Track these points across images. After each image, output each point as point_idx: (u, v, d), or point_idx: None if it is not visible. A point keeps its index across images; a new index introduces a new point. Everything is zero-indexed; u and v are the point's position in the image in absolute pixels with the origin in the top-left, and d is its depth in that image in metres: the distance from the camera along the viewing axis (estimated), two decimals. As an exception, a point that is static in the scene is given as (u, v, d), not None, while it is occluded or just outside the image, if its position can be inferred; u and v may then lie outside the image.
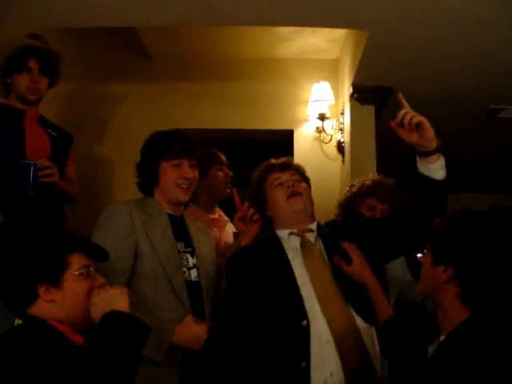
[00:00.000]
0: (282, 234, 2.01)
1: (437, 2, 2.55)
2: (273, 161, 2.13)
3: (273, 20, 2.95)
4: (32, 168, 2.43)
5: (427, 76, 3.35)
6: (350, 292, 1.82)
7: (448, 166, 1.76)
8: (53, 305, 1.41)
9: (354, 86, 3.47)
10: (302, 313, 1.78)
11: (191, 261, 2.04)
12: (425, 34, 2.84)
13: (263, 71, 3.97)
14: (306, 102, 3.88)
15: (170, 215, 2.07)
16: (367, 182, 2.64)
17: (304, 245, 1.94)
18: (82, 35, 3.61)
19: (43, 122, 2.72)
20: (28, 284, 1.41)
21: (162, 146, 2.05)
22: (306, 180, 2.11)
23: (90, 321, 1.43)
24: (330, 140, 3.85)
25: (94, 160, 3.78)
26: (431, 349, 1.51)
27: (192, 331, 1.88)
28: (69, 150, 2.80)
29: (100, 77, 3.93)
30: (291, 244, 1.97)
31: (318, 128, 3.86)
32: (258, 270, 1.92)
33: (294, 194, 1.99)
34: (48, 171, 2.47)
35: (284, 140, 3.95)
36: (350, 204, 2.64)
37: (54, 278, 1.41)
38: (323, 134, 3.85)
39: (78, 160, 2.96)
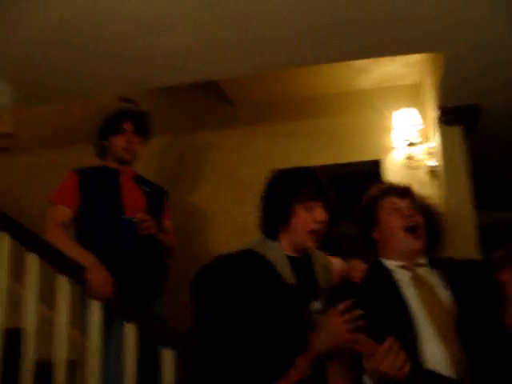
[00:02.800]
0: (390, 264, 1.90)
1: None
2: (392, 184, 2.06)
3: (349, 55, 2.97)
4: (131, 223, 2.59)
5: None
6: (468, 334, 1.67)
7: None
8: None
9: (439, 108, 3.39)
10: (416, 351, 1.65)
11: (317, 305, 1.90)
12: (503, 44, 2.74)
13: (345, 104, 3.98)
14: (392, 129, 3.84)
15: (292, 258, 1.94)
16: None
17: (416, 278, 1.84)
18: (164, 89, 3.83)
19: (138, 179, 2.90)
20: None
21: (296, 186, 1.93)
22: (424, 212, 1.95)
23: None
24: (421, 166, 3.76)
25: (189, 210, 3.92)
26: None
27: None
28: (164, 204, 2.95)
29: (186, 128, 4.12)
30: (399, 276, 1.86)
31: (406, 155, 3.79)
32: (369, 300, 1.78)
33: (413, 229, 1.87)
34: (146, 224, 2.62)
35: (373, 170, 3.92)
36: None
37: None
38: (412, 161, 3.78)
39: (174, 211, 3.10)
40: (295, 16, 2.39)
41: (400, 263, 1.88)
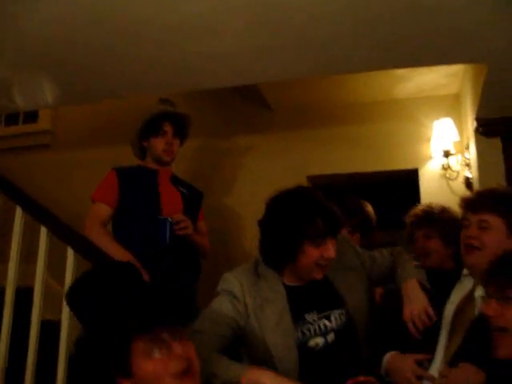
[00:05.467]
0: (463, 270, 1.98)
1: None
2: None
3: (390, 64, 2.96)
4: (168, 222, 2.64)
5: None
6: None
7: None
8: None
9: (478, 119, 3.36)
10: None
11: (329, 325, 1.88)
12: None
13: (383, 112, 3.98)
14: (429, 139, 3.82)
15: (293, 288, 1.91)
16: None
17: (466, 298, 1.89)
18: (204, 91, 3.87)
19: (175, 180, 2.94)
20: (106, 377, 1.29)
21: (304, 223, 1.79)
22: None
23: None
24: (457, 176, 3.74)
25: (223, 212, 3.95)
26: None
27: None
28: (199, 206, 2.99)
29: (225, 131, 4.16)
30: (463, 283, 1.94)
31: (443, 165, 3.77)
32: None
33: (468, 248, 1.89)
34: (182, 225, 2.67)
35: (409, 179, 3.90)
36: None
37: (124, 370, 1.28)
38: (449, 171, 3.75)
39: (209, 213, 3.14)
40: (338, 23, 2.41)
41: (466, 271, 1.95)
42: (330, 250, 1.81)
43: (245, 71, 2.84)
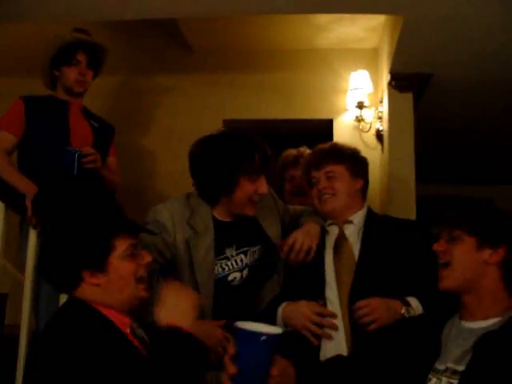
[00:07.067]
0: (326, 223, 2.09)
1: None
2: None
3: (310, 8, 2.98)
4: (76, 154, 2.56)
5: (466, 59, 3.26)
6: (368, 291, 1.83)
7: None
8: (99, 289, 1.39)
9: (392, 73, 3.46)
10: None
11: (245, 260, 2.00)
12: (460, 16, 2.79)
13: (302, 61, 4.01)
14: (345, 91, 3.90)
15: (223, 223, 1.99)
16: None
17: (339, 237, 2.01)
18: (125, 29, 3.75)
19: (86, 113, 2.84)
20: (72, 269, 1.39)
21: (243, 158, 1.88)
22: (353, 166, 2.06)
23: (139, 304, 1.45)
24: (370, 129, 3.85)
25: (138, 152, 3.91)
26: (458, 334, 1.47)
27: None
28: (110, 141, 2.91)
29: (144, 70, 4.08)
30: (331, 233, 2.05)
31: (357, 117, 3.86)
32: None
33: (322, 198, 2.03)
34: (91, 158, 2.60)
35: (323, 129, 3.98)
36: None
37: (99, 263, 1.39)
38: (362, 123, 3.86)
39: (123, 152, 3.08)
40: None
41: (329, 221, 2.08)
42: (263, 185, 1.92)
43: (163, 3, 2.79)
